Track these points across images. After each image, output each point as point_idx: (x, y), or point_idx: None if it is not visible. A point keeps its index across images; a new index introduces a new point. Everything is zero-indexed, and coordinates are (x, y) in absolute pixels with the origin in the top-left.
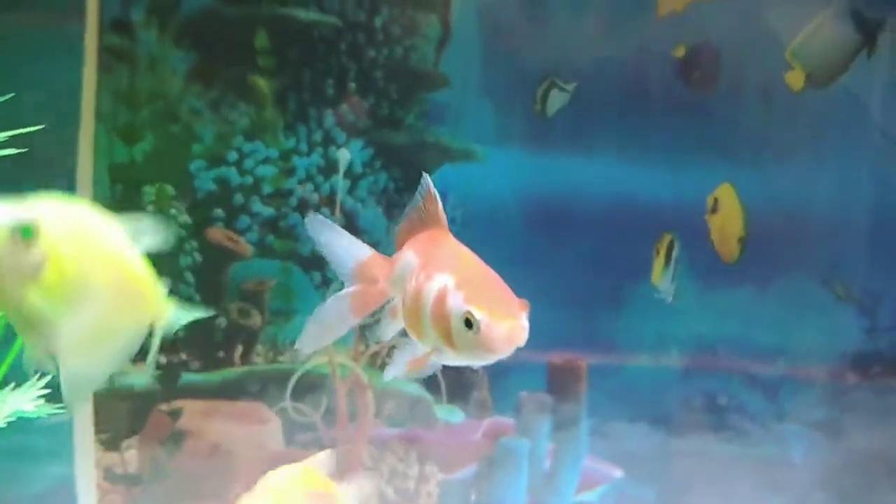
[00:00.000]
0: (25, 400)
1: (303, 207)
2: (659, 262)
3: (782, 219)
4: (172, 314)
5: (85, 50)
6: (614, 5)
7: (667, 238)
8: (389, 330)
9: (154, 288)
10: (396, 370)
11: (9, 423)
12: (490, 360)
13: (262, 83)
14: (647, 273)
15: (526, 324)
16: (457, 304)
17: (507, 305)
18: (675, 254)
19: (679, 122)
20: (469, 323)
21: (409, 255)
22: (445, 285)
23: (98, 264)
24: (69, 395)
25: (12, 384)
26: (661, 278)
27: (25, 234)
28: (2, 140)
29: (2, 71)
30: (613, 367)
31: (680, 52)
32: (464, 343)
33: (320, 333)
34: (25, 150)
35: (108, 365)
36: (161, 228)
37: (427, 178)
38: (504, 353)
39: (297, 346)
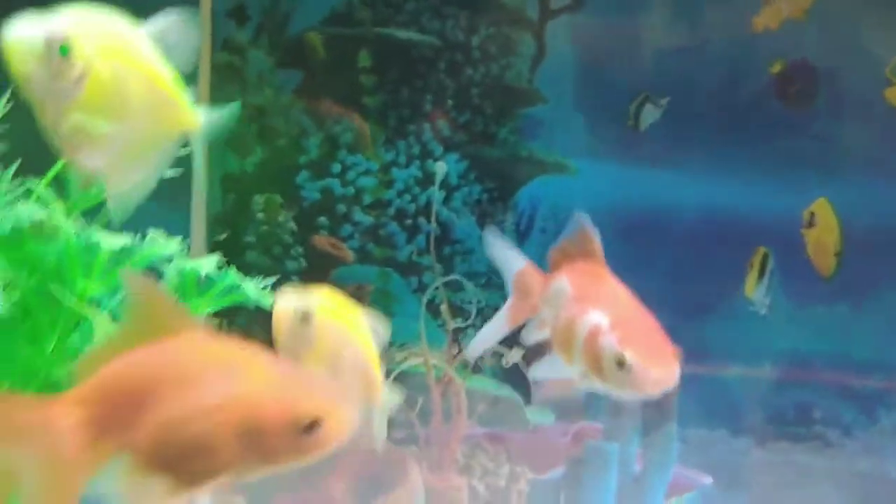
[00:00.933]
0: (168, 245)
1: (400, 217)
2: (753, 275)
3: (879, 234)
4: (201, 122)
5: (199, 69)
6: (709, 21)
7: (761, 251)
8: (533, 337)
9: (182, 96)
10: (542, 394)
11: None
12: (638, 397)
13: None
14: (740, 286)
15: (677, 369)
16: (610, 345)
17: (659, 351)
18: (769, 267)
19: (774, 137)
20: (621, 364)
21: (563, 282)
22: (599, 324)
23: (132, 76)
24: (114, 210)
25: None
26: (755, 291)
27: (62, 51)
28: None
29: None
30: (706, 377)
31: (776, 67)
32: (613, 380)
33: (484, 343)
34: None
35: (148, 176)
36: (187, 30)
37: (583, 216)
38: (653, 394)
39: (467, 351)
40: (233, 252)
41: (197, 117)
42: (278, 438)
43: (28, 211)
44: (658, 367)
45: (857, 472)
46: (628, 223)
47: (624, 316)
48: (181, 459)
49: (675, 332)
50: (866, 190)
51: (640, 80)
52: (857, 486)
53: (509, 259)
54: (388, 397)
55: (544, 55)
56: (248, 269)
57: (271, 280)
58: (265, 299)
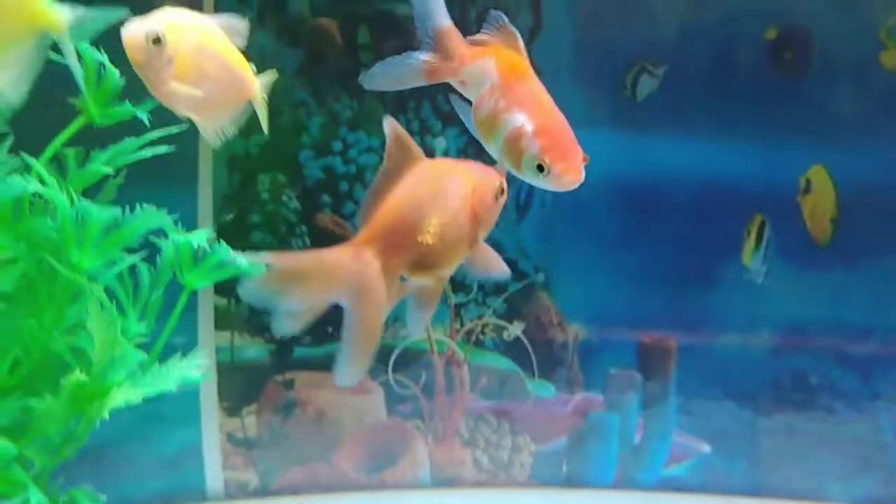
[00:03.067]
0: (190, 367)
1: None
2: (749, 243)
3: (875, 199)
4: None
5: None
6: None
7: (757, 219)
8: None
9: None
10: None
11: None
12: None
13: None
14: (737, 254)
15: (583, 176)
16: (534, 150)
17: (574, 158)
18: (765, 234)
19: (770, 104)
20: (540, 168)
21: (489, 65)
22: (524, 127)
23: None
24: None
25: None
26: (752, 259)
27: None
28: (149, 140)
29: (133, 75)
30: (703, 346)
31: (771, 34)
32: (529, 177)
33: (384, 77)
34: (165, 147)
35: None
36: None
37: (500, 15)
38: (559, 191)
39: (360, 77)
40: (239, 232)
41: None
42: (491, 206)
43: (21, 182)
44: (570, 175)
45: (854, 437)
46: (626, 193)
47: (547, 123)
48: (447, 254)
49: (672, 300)
50: (862, 156)
51: (636, 50)
52: (854, 451)
53: (435, 13)
54: (264, 85)
55: (541, 27)
56: (254, 249)
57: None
58: (259, 270)
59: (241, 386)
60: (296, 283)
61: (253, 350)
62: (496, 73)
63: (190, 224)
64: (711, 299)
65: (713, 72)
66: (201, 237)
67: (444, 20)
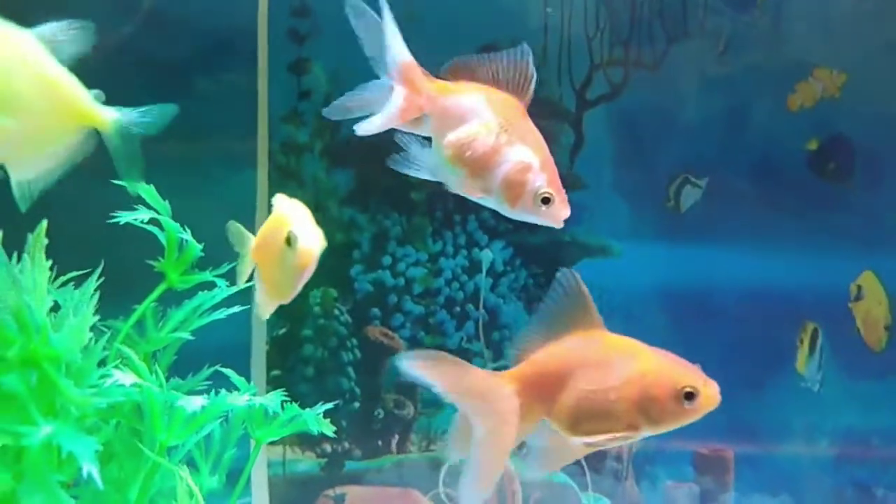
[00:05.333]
0: (239, 399)
1: (449, 305)
2: (803, 351)
3: None
4: (111, 118)
5: (258, 169)
6: (745, 102)
7: (810, 326)
8: (410, 133)
9: (78, 93)
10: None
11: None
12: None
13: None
14: (790, 362)
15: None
16: (540, 183)
17: (564, 192)
18: (819, 342)
19: (815, 212)
20: (546, 200)
21: (478, 101)
22: (530, 162)
23: (21, 76)
24: (19, 196)
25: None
26: (807, 367)
27: None
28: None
29: (187, 189)
30: (760, 457)
31: (812, 145)
32: (523, 211)
33: (349, 107)
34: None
35: (51, 166)
36: (79, 35)
37: (528, 50)
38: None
39: (325, 109)
40: (291, 345)
41: (102, 114)
42: (664, 405)
43: (123, 385)
44: (566, 209)
45: None
46: (674, 303)
47: (547, 159)
48: (591, 423)
49: (727, 409)
50: None
51: (678, 162)
52: None
53: (396, 48)
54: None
55: (583, 143)
56: (305, 363)
57: (328, 406)
58: (325, 427)
59: (292, 500)
60: (447, 380)
61: (304, 464)
62: (489, 109)
63: (244, 338)
64: (767, 408)
65: (756, 182)
66: (276, 399)
67: (405, 55)
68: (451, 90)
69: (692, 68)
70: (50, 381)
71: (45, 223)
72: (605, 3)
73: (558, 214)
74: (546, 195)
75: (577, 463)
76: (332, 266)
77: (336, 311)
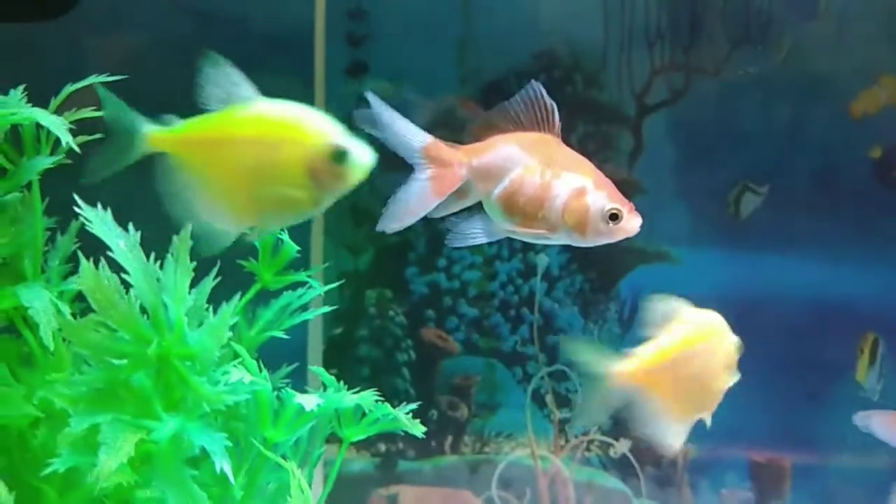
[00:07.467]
0: (347, 398)
1: (504, 308)
2: (863, 361)
3: None
4: None
5: None
6: (806, 109)
7: (870, 336)
8: (452, 208)
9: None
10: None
11: None
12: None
13: None
14: (850, 372)
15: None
16: (602, 201)
17: (629, 203)
18: (879, 352)
19: (876, 221)
20: (614, 217)
21: (512, 151)
22: (584, 185)
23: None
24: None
25: None
26: (867, 377)
27: None
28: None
29: None
30: (817, 467)
31: (876, 152)
32: (594, 234)
33: (402, 213)
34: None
35: None
36: None
37: (538, 85)
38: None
39: (378, 226)
40: (347, 345)
41: None
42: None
43: (243, 382)
44: (637, 217)
45: None
46: (734, 311)
47: (599, 177)
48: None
49: (784, 418)
50: None
51: (738, 169)
52: None
53: (411, 134)
54: None
55: (642, 149)
56: (360, 363)
57: (414, 406)
58: (416, 428)
59: (346, 499)
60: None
61: (358, 463)
62: (524, 152)
63: (301, 337)
64: (825, 418)
65: (818, 190)
66: (369, 399)
67: (422, 137)
68: (482, 149)
69: (754, 74)
70: (177, 378)
71: (190, 226)
72: (666, 9)
73: (630, 226)
74: (613, 211)
75: (632, 468)
76: (387, 267)
77: (391, 313)
